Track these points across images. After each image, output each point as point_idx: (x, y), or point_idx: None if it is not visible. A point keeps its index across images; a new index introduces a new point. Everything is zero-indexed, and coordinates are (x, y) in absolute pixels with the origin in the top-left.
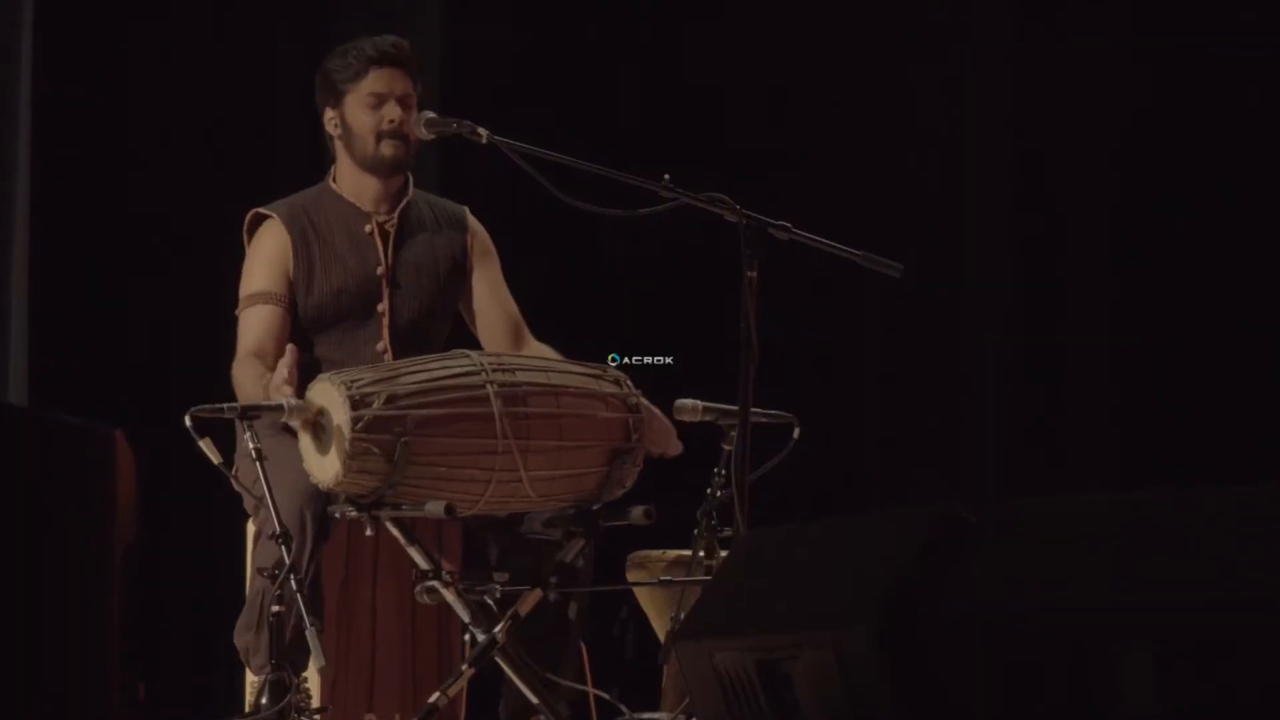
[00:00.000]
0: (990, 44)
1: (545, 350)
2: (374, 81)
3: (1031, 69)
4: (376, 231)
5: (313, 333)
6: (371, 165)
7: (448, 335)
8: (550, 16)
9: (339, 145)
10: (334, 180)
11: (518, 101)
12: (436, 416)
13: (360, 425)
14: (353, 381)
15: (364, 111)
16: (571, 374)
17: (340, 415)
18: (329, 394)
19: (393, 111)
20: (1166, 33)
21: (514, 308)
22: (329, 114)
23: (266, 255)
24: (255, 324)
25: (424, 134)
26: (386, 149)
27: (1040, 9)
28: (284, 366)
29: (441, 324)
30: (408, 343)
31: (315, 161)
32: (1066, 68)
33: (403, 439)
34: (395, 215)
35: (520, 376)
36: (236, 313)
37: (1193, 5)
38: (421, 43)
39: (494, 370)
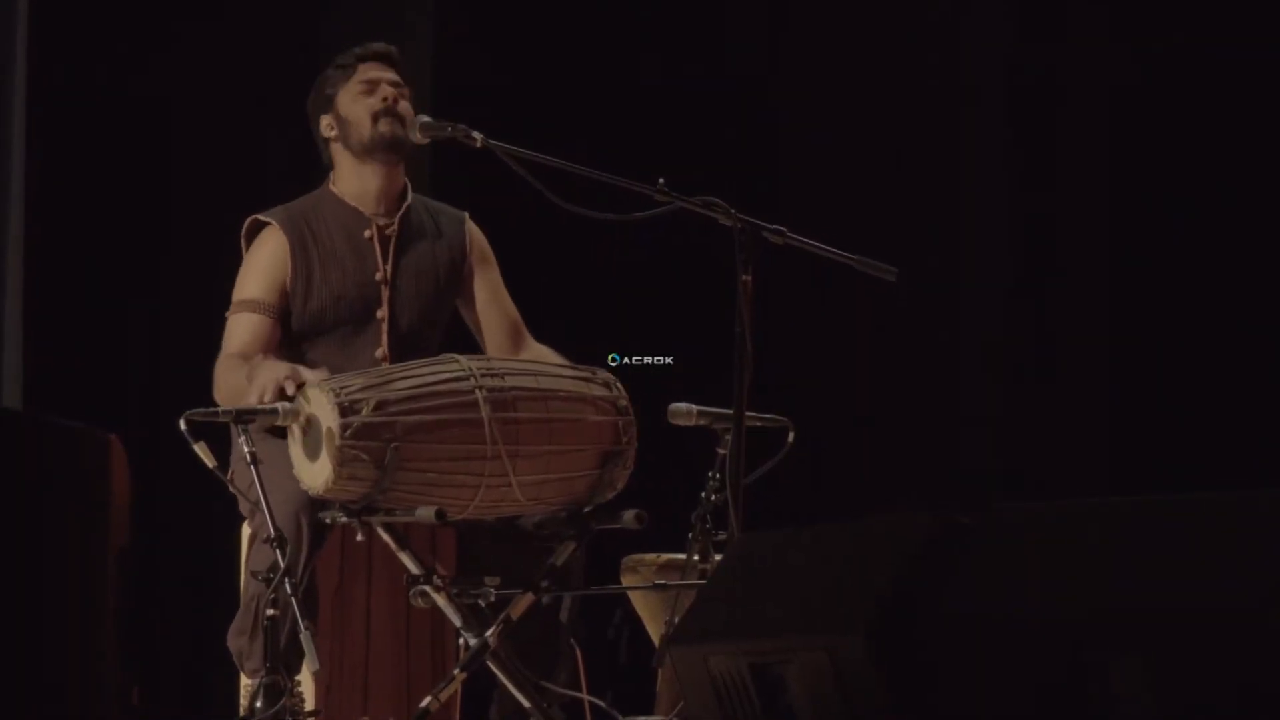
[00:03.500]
0: (988, 44)
1: (545, 352)
2: (364, 71)
3: (1028, 70)
4: (376, 237)
5: (311, 338)
6: (371, 147)
7: (442, 339)
8: (544, 20)
9: (337, 147)
10: (333, 184)
11: (512, 105)
12: (426, 423)
13: (349, 432)
14: (342, 388)
15: (357, 101)
16: (561, 377)
17: (329, 421)
18: (318, 400)
19: (386, 91)
20: (1165, 31)
21: (514, 311)
22: (324, 121)
23: (262, 263)
24: (242, 330)
25: (419, 138)
26: (384, 126)
27: (1038, 9)
28: (307, 371)
29: (438, 329)
30: (406, 348)
31: (309, 168)
32: (1064, 69)
33: (392, 445)
34: (395, 220)
35: (509, 381)
36: (226, 314)
37: (1191, 3)
38: (415, 47)
39: (483, 375)
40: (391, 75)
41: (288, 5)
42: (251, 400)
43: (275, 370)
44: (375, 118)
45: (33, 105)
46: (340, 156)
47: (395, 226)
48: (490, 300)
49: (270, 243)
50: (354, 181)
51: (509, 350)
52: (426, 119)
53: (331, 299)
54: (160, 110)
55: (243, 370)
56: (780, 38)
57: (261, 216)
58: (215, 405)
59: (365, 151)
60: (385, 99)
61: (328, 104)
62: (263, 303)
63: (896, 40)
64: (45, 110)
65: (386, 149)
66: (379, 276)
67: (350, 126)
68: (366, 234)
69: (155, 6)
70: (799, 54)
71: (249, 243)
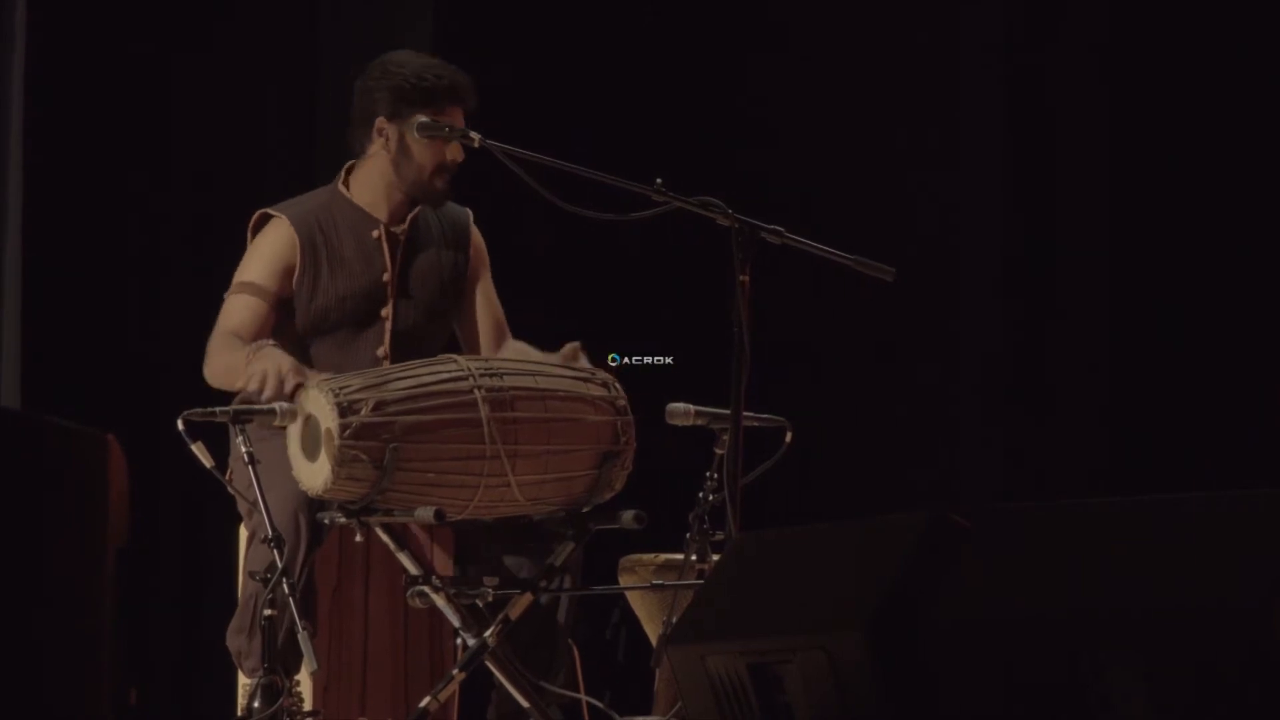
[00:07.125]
0: (986, 44)
1: (524, 347)
2: (448, 118)
3: (1024, 70)
4: (385, 238)
5: (314, 336)
6: (417, 192)
7: (444, 342)
8: (543, 20)
9: (378, 150)
10: (345, 185)
11: (510, 105)
12: (424, 423)
13: (348, 432)
14: (341, 388)
15: (430, 145)
16: (559, 377)
17: (328, 422)
18: (317, 400)
19: (457, 152)
20: (1162, 31)
21: (501, 313)
22: (383, 122)
23: (268, 252)
24: (238, 310)
25: (417, 138)
26: (439, 183)
27: (1031, 12)
28: (308, 370)
29: (441, 331)
30: (407, 348)
31: (309, 167)
32: (1060, 69)
33: (391, 445)
34: (406, 224)
35: (508, 381)
36: (224, 295)
37: (1188, 4)
38: (415, 47)
39: (481, 375)
40: (460, 118)
41: (288, 4)
42: (250, 386)
43: (277, 361)
44: (437, 169)
45: (31, 105)
46: (376, 161)
47: (405, 229)
48: (484, 306)
49: (280, 234)
50: (373, 190)
51: (492, 350)
52: (424, 119)
53: (337, 299)
54: (160, 110)
55: (241, 350)
56: (778, 38)
57: (271, 210)
58: (211, 403)
59: (408, 187)
60: (455, 160)
61: (397, 111)
62: (263, 289)
63: (894, 41)
64: (44, 109)
65: (428, 199)
66: (386, 277)
67: (409, 160)
68: (375, 234)
69: (155, 4)
70: (797, 54)
71: (255, 236)
